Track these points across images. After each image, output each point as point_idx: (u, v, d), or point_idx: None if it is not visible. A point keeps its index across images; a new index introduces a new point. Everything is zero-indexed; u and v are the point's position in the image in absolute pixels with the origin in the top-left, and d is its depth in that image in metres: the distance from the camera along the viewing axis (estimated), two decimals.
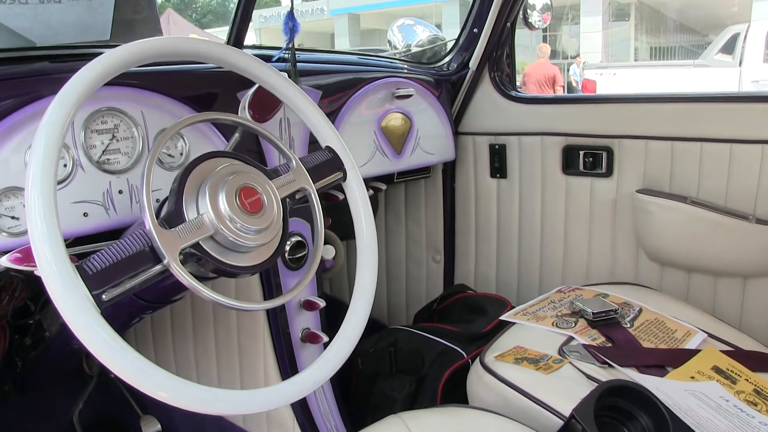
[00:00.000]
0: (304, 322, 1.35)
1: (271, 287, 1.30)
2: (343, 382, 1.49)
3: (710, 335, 1.30)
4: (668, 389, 1.04)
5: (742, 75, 9.47)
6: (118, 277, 0.74)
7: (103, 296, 0.71)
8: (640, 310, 1.37)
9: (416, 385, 1.45)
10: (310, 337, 1.34)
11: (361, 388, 1.54)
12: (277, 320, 1.32)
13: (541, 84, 9.13)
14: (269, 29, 19.08)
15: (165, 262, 0.76)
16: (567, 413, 0.98)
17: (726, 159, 1.48)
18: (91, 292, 0.70)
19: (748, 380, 1.13)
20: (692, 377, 1.12)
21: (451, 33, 1.97)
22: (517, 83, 1.86)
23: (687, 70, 10.50)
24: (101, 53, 0.83)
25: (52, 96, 0.77)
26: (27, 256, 0.76)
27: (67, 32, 1.13)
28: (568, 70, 13.30)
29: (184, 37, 0.93)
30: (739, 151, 1.47)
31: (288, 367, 1.33)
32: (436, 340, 1.49)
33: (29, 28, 1.08)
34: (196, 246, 0.80)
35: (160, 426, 1.46)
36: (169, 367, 0.72)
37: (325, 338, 1.33)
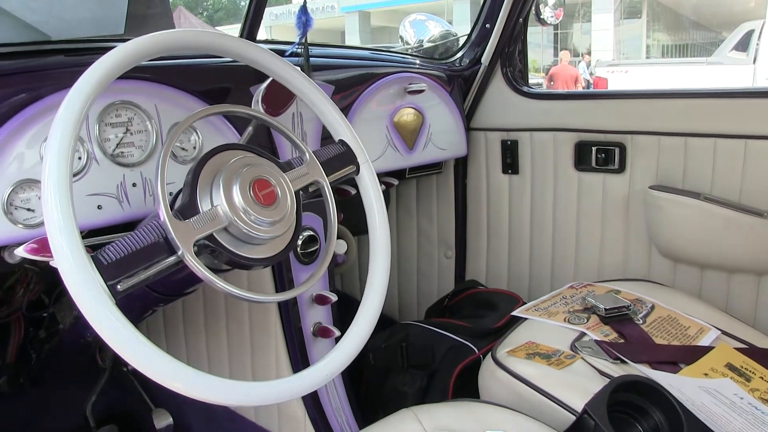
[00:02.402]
0: (315, 316, 1.35)
1: (283, 281, 1.30)
2: (354, 376, 1.49)
3: (724, 332, 1.29)
4: (681, 386, 1.04)
5: (757, 72, 9.39)
6: (133, 268, 0.74)
7: (118, 286, 0.72)
8: (653, 307, 1.37)
9: (427, 380, 1.45)
10: (321, 332, 1.34)
11: (372, 383, 1.54)
12: (289, 314, 1.32)
13: (567, 81, 11.32)
14: (280, 26, 19.14)
15: (179, 253, 0.76)
16: (579, 408, 0.98)
17: (740, 155, 1.47)
18: (106, 282, 0.70)
19: (762, 378, 1.12)
20: (705, 374, 1.12)
21: (461, 30, 1.97)
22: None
23: (700, 67, 10.43)
24: (116, 47, 0.83)
25: (67, 89, 0.77)
26: (43, 246, 0.77)
27: (81, 26, 1.13)
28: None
29: (199, 30, 0.93)
30: (754, 147, 1.45)
31: (300, 361, 1.33)
32: (448, 335, 1.49)
33: (45, 21, 1.08)
34: (210, 237, 0.81)
35: (171, 419, 1.47)
36: (180, 360, 0.72)
37: (337, 332, 1.33)
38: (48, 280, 1.37)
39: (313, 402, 1.34)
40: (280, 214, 0.86)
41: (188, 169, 0.87)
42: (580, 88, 11.04)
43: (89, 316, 0.68)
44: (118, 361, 1.50)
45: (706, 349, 1.20)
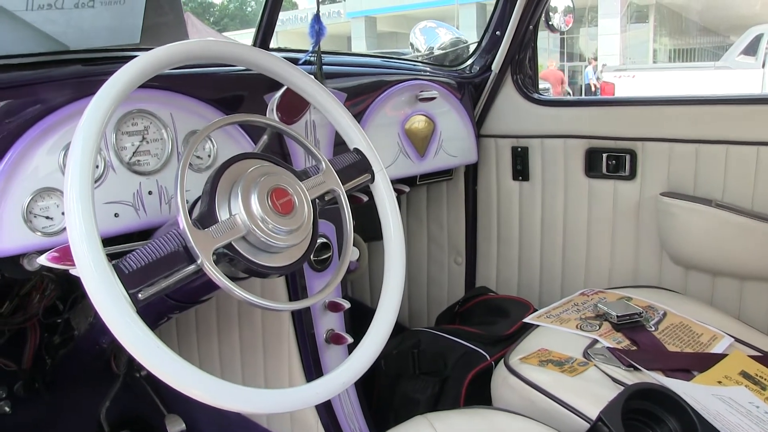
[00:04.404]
0: (328, 323, 1.35)
1: (296, 288, 1.31)
2: (366, 383, 1.50)
3: (737, 339, 1.29)
4: (695, 393, 1.04)
5: (766, 77, 9.34)
6: (154, 277, 0.75)
7: (139, 295, 0.73)
8: (665, 314, 1.37)
9: (439, 387, 1.46)
10: (334, 339, 1.35)
11: (384, 390, 1.54)
12: (302, 321, 1.32)
13: (555, 83, 12.46)
14: (287, 32, 19.19)
15: (199, 261, 0.77)
16: (593, 416, 0.98)
17: (752, 162, 1.47)
18: (127, 291, 0.71)
19: None
20: (719, 382, 1.12)
21: (467, 35, 1.97)
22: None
23: (707, 72, 10.39)
24: (132, 56, 0.84)
25: (85, 98, 0.78)
26: (65, 255, 0.78)
27: (99, 36, 1.15)
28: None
29: (216, 40, 0.94)
30: (766, 153, 1.45)
31: (312, 367, 1.34)
32: (459, 342, 1.49)
33: (63, 32, 1.10)
34: (229, 246, 0.82)
35: (184, 425, 1.48)
36: (193, 365, 0.73)
37: (350, 339, 1.34)
38: (64, 286, 1.38)
39: (325, 408, 1.35)
40: (298, 222, 0.87)
41: (203, 176, 0.88)
42: (566, 87, 13.05)
43: (111, 324, 0.69)
44: (131, 367, 1.51)
45: (720, 357, 1.20)
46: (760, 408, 1.03)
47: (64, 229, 0.94)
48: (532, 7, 1.71)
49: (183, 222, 0.77)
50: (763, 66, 9.49)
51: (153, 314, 1.11)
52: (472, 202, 1.94)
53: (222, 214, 0.83)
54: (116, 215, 1.04)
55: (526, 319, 1.41)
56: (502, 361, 1.24)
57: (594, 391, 1.08)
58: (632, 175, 1.66)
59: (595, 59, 15.96)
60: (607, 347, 1.22)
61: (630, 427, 0.94)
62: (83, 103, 0.77)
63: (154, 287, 0.74)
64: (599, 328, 1.30)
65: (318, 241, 1.28)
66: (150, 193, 1.08)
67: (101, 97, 0.78)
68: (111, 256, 0.74)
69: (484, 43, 1.86)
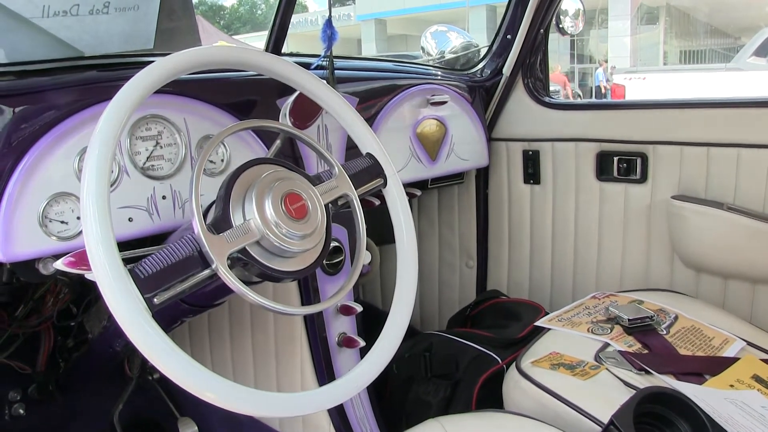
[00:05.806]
0: (340, 326, 1.36)
1: (308, 292, 1.32)
2: (378, 386, 1.50)
3: (749, 343, 1.29)
4: (707, 397, 1.04)
5: None
6: (169, 281, 0.76)
7: (155, 299, 0.74)
8: (676, 317, 1.36)
9: (451, 390, 1.46)
10: (346, 342, 1.35)
11: (395, 393, 1.54)
12: (315, 324, 1.33)
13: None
14: (297, 35, 19.25)
15: (213, 266, 0.78)
16: (605, 419, 0.98)
17: (764, 165, 1.47)
18: (143, 296, 0.72)
19: None
20: (731, 386, 1.11)
21: (477, 37, 1.97)
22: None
23: (719, 74, 10.32)
24: (146, 62, 0.85)
25: (100, 104, 0.79)
26: (81, 259, 0.78)
27: (113, 42, 1.16)
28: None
29: (230, 46, 0.95)
30: None
31: (324, 371, 1.34)
32: (471, 345, 1.49)
33: (78, 38, 1.11)
34: (243, 251, 0.82)
35: (197, 428, 1.49)
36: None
37: (362, 343, 1.34)
38: (77, 290, 1.40)
39: (337, 412, 1.35)
40: (311, 227, 0.88)
41: (216, 181, 0.89)
42: (574, 90, 13.22)
43: (127, 328, 0.70)
44: (145, 370, 1.52)
45: (732, 360, 1.20)
46: None
47: (79, 233, 0.95)
48: (543, 11, 1.71)
49: (198, 227, 0.78)
50: None
51: (167, 318, 1.11)
52: (484, 205, 1.94)
53: (236, 219, 0.84)
54: (130, 220, 1.05)
55: (538, 323, 1.41)
56: (514, 364, 1.24)
57: (605, 395, 1.08)
58: (643, 179, 1.66)
59: (606, 61, 15.92)
60: (619, 351, 1.22)
61: (642, 430, 0.94)
62: (98, 109, 0.78)
63: (169, 292, 0.75)
64: (611, 331, 1.30)
65: (331, 245, 1.29)
66: (164, 197, 1.09)
67: (118, 102, 0.79)
68: (126, 261, 0.74)
69: (495, 47, 1.86)
